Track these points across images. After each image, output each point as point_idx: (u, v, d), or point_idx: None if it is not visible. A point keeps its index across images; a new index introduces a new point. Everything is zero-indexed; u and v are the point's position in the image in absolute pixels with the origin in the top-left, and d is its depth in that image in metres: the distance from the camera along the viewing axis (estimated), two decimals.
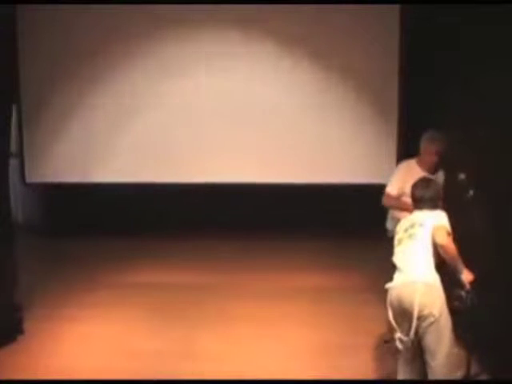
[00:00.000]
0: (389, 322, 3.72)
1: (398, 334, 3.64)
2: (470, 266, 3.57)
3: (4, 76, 4.90)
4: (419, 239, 3.64)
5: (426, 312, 3.50)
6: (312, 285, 5.84)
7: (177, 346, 4.70)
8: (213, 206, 7.03)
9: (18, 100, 6.57)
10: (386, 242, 4.14)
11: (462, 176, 3.84)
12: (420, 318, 3.51)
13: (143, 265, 6.37)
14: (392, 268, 3.75)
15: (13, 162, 6.35)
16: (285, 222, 6.92)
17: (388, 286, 3.71)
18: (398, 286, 3.64)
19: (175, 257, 6.52)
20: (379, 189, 4.70)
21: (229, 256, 6.47)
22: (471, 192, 3.75)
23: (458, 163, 4.34)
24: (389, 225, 4.75)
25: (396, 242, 3.81)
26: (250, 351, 4.64)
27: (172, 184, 6.79)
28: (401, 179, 4.58)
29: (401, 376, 3.82)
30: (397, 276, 3.70)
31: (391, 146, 6.54)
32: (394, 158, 6.32)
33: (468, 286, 3.56)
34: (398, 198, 4.56)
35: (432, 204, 3.77)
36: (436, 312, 3.50)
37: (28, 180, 6.96)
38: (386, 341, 4.31)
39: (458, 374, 3.61)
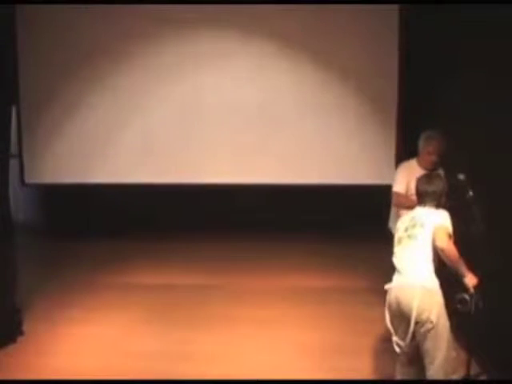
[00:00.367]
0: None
1: (395, 338, 3.64)
2: (470, 267, 3.54)
3: (4, 76, 4.90)
4: (419, 240, 3.61)
5: (423, 317, 3.48)
6: (312, 286, 5.84)
7: (177, 346, 4.70)
8: (212, 207, 7.03)
9: (18, 100, 6.55)
10: (386, 243, 4.12)
11: (461, 176, 3.82)
12: (418, 323, 3.50)
13: (143, 266, 6.37)
14: (391, 269, 3.74)
15: (12, 163, 6.32)
16: (285, 222, 6.91)
17: (387, 286, 3.70)
18: (397, 287, 3.63)
19: (175, 258, 6.52)
20: (379, 189, 4.69)
21: (229, 257, 6.46)
22: (471, 192, 3.73)
23: (457, 163, 4.33)
24: (392, 224, 4.69)
25: (396, 240, 3.78)
26: (250, 352, 4.64)
27: (172, 184, 6.77)
28: (405, 178, 4.58)
29: (398, 378, 3.82)
30: (396, 277, 3.68)
31: (391, 146, 6.52)
32: (393, 159, 6.31)
33: (472, 290, 3.48)
34: (407, 196, 4.52)
35: (435, 198, 3.71)
36: (434, 318, 3.48)
37: (27, 180, 6.94)
38: None
39: (454, 377, 3.60)
